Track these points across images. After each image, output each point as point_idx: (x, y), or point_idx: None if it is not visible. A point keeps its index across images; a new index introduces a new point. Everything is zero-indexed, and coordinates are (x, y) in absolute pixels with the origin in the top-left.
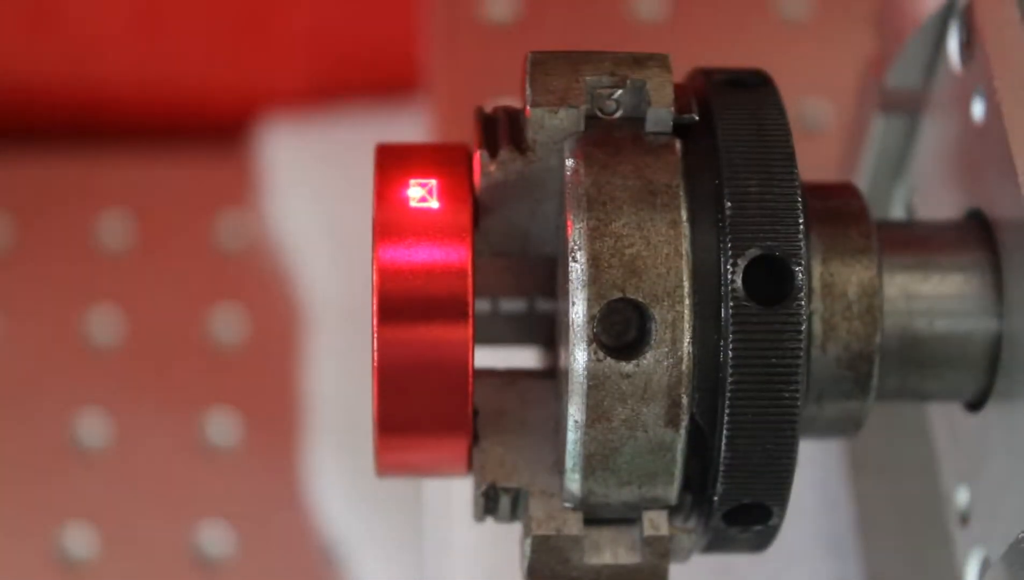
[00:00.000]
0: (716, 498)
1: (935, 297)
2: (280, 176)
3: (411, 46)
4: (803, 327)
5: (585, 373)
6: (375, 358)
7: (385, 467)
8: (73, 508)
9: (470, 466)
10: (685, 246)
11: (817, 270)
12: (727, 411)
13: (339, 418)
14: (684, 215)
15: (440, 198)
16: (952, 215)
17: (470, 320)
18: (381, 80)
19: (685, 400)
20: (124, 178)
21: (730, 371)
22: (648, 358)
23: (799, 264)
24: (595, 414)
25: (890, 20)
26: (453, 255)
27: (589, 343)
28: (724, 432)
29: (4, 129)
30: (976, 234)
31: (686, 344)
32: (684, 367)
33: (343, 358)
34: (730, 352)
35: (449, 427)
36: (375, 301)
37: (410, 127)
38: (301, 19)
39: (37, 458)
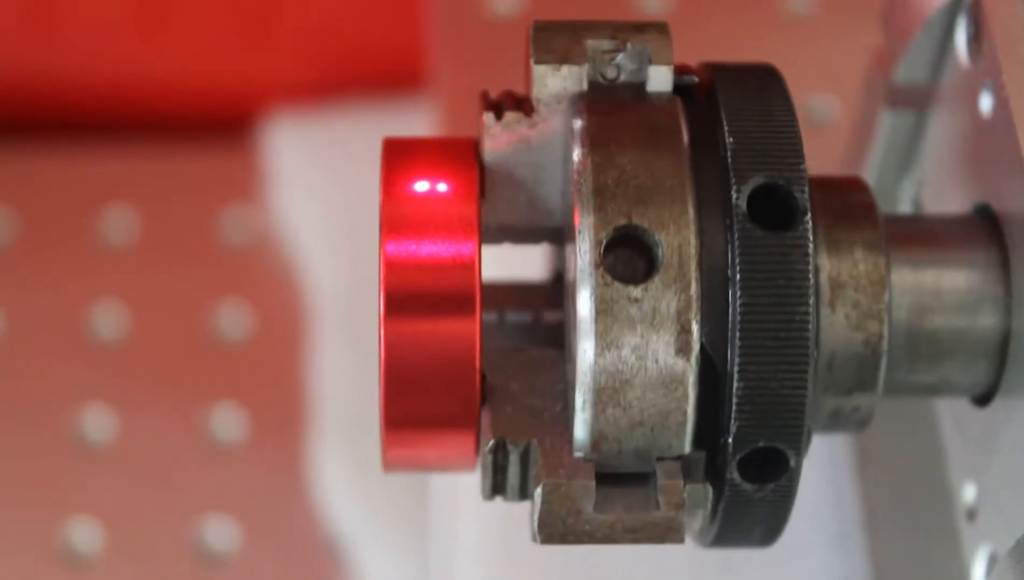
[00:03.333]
0: (730, 440)
1: (943, 291)
2: (285, 171)
3: (416, 41)
4: (810, 249)
5: (593, 298)
6: (381, 353)
7: (391, 463)
8: (78, 504)
9: (477, 461)
10: (689, 177)
11: (824, 264)
12: (738, 337)
13: (345, 413)
14: (687, 152)
15: (447, 192)
16: (960, 209)
17: (477, 315)
18: (386, 75)
19: (695, 327)
20: (128, 173)
21: (739, 295)
22: (656, 282)
23: (802, 191)
24: (604, 342)
25: (897, 15)
26: (460, 249)
27: (596, 267)
28: (736, 360)
29: (8, 124)
30: (984, 229)
31: (693, 269)
32: (692, 292)
33: (349, 353)
34: (738, 276)
35: (456, 422)
36: (382, 295)
37: (415, 122)
38: (306, 14)
39: (42, 454)
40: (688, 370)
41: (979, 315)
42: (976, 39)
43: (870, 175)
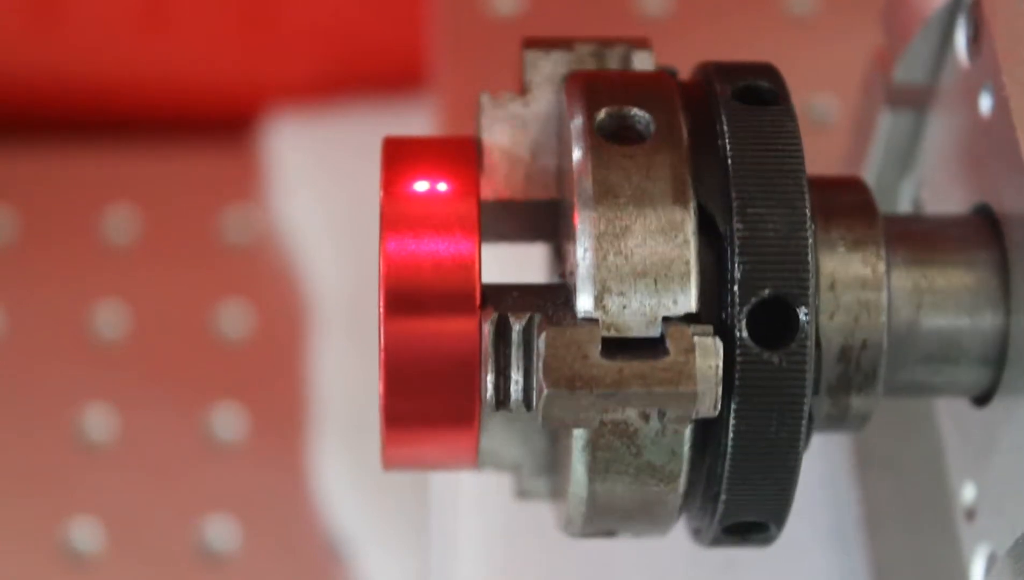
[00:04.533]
0: (736, 288)
1: (942, 291)
2: (287, 170)
3: (417, 41)
4: (795, 117)
5: (588, 154)
6: (381, 351)
7: (392, 461)
8: (79, 503)
9: (477, 459)
10: (677, 90)
11: (824, 264)
12: (733, 191)
13: (346, 412)
14: (677, 89)
15: (447, 191)
16: (959, 210)
17: (477, 313)
18: (387, 75)
19: (689, 179)
20: (130, 172)
21: (730, 155)
22: (648, 144)
23: (782, 85)
24: (601, 188)
25: (897, 14)
26: (460, 247)
27: (590, 132)
28: (734, 207)
29: (9, 123)
30: (983, 229)
31: (684, 135)
32: (684, 149)
33: (350, 352)
34: (728, 143)
35: (456, 420)
36: (382, 294)
37: (416, 122)
38: (307, 13)
39: (43, 452)
40: (687, 218)
41: (978, 315)
42: (976, 39)
43: (870, 175)
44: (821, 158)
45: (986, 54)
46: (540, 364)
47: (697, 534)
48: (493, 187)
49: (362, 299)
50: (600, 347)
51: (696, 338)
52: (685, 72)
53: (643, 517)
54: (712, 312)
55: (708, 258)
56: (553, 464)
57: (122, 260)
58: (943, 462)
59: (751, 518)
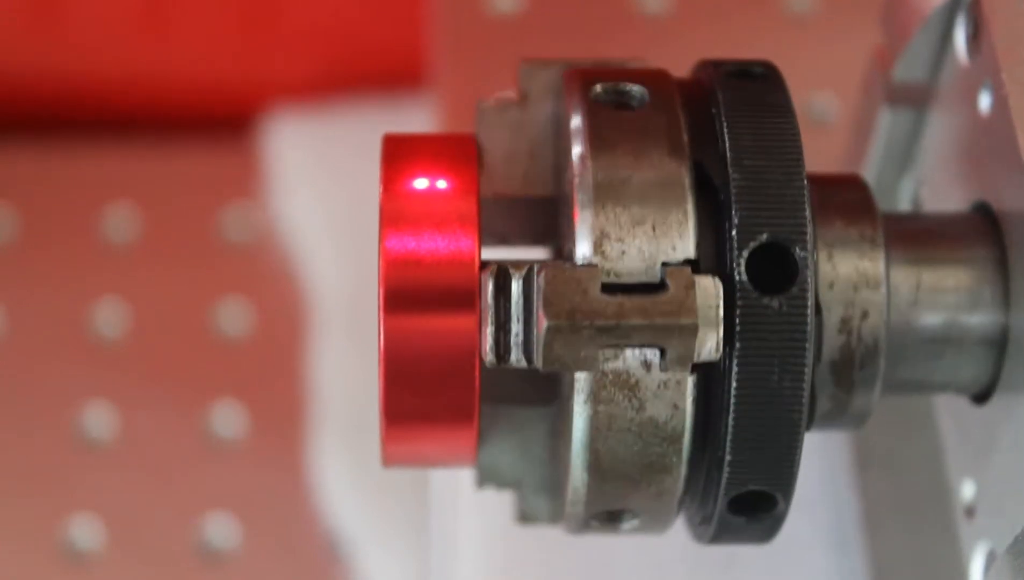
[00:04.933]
0: (734, 233)
1: (941, 289)
2: (286, 169)
3: (417, 39)
4: (785, 88)
5: (586, 116)
6: (381, 348)
7: (391, 458)
8: (79, 501)
9: (477, 456)
10: (674, 81)
11: (823, 262)
12: (728, 150)
13: (345, 410)
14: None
15: (446, 188)
16: (959, 208)
17: (476, 310)
18: (387, 73)
19: (684, 138)
20: (130, 171)
21: (724, 121)
22: (644, 109)
23: (774, 69)
24: (599, 142)
25: (897, 13)
26: (460, 244)
27: (587, 101)
28: (729, 158)
29: (9, 121)
30: (982, 227)
31: (678, 102)
32: (678, 113)
33: (349, 349)
34: (723, 109)
35: (456, 417)
36: (381, 291)
37: (416, 120)
38: (307, 12)
39: (43, 451)
40: (683, 172)
41: (977, 313)
42: (975, 37)
43: (869, 173)
44: (821, 157)
45: (985, 53)
46: (540, 301)
47: (700, 525)
48: (492, 185)
49: (362, 297)
50: (600, 286)
51: (696, 277)
52: (685, 72)
53: (648, 488)
54: (711, 262)
55: (705, 211)
56: (553, 485)
57: (122, 259)
58: (942, 460)
59: (758, 486)
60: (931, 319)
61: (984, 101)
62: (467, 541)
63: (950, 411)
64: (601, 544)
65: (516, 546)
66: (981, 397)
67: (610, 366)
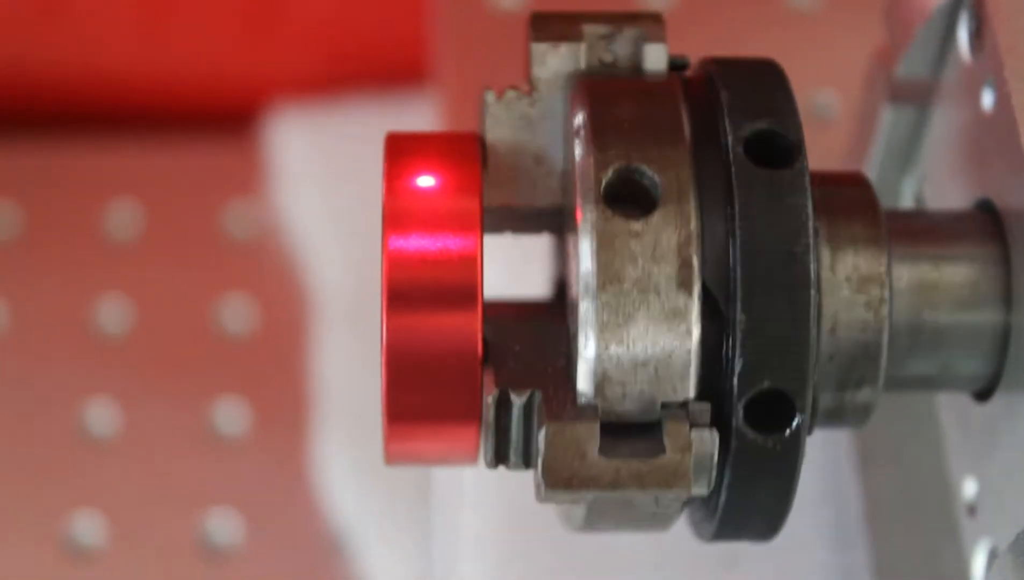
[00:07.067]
0: (735, 381)
1: (944, 286)
2: (289, 165)
3: (419, 35)
4: (807, 185)
5: (594, 232)
6: (384, 346)
7: (394, 456)
8: (81, 497)
9: (479, 455)
10: (686, 123)
11: (825, 259)
12: (739, 273)
13: (348, 407)
14: (684, 107)
15: (450, 186)
16: (961, 205)
17: (479, 308)
18: (390, 70)
19: (695, 261)
20: (133, 167)
21: (738, 230)
22: (656, 218)
23: (798, 135)
24: (606, 275)
25: (900, 10)
26: (462, 243)
27: (597, 203)
28: (738, 294)
29: (12, 117)
30: (985, 224)
31: (692, 206)
32: (692, 226)
33: (352, 347)
34: (736, 211)
35: (458, 415)
36: (384, 289)
37: (419, 117)
38: (311, 8)
39: (45, 447)
40: (691, 304)
41: (980, 310)
42: (978, 35)
43: (872, 170)
44: (823, 154)
45: (988, 50)
46: (540, 462)
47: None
48: (499, 194)
49: (365, 294)
50: (599, 442)
51: (693, 433)
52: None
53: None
54: (710, 390)
55: (710, 338)
56: None
57: (125, 255)
58: (944, 457)
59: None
60: (933, 316)
61: (987, 98)
62: (469, 537)
63: (952, 408)
64: (603, 541)
65: (518, 542)
66: (983, 394)
67: (607, 496)
